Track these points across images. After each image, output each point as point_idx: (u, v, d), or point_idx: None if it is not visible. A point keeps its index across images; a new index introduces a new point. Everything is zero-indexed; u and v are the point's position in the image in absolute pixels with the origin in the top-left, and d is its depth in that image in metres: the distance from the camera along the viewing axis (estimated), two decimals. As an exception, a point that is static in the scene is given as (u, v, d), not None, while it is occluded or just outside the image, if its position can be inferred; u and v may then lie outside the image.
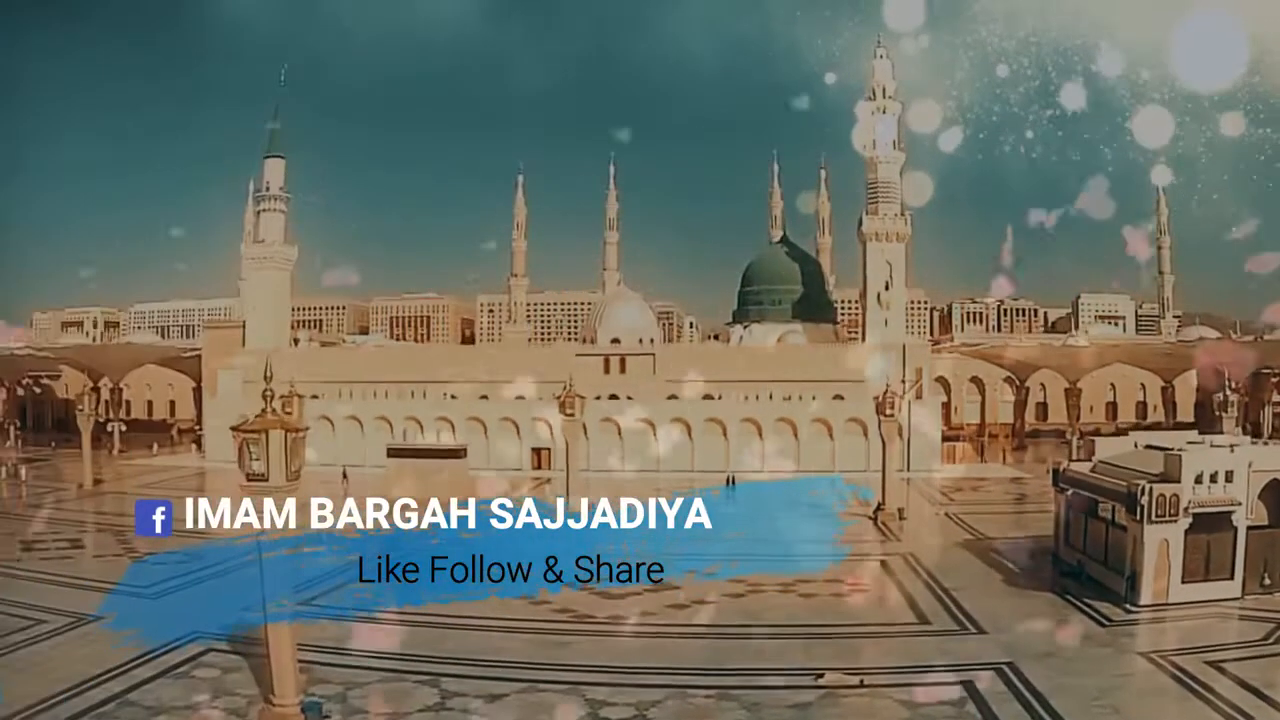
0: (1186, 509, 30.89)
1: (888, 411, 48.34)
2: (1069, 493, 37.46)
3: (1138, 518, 30.87)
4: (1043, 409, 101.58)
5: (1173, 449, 35.16)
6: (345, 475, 66.64)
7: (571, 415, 49.58)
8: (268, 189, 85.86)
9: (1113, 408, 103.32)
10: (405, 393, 78.33)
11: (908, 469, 66.08)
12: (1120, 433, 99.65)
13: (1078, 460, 38.82)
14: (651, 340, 78.40)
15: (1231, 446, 33.10)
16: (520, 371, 77.36)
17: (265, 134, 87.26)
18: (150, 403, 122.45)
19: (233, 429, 21.68)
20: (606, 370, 75.50)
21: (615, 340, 77.22)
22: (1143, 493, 30.69)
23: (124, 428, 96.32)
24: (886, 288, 77.33)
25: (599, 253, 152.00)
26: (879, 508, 49.61)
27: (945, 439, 73.60)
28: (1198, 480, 31.14)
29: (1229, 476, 31.37)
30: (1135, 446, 38.07)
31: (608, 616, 30.89)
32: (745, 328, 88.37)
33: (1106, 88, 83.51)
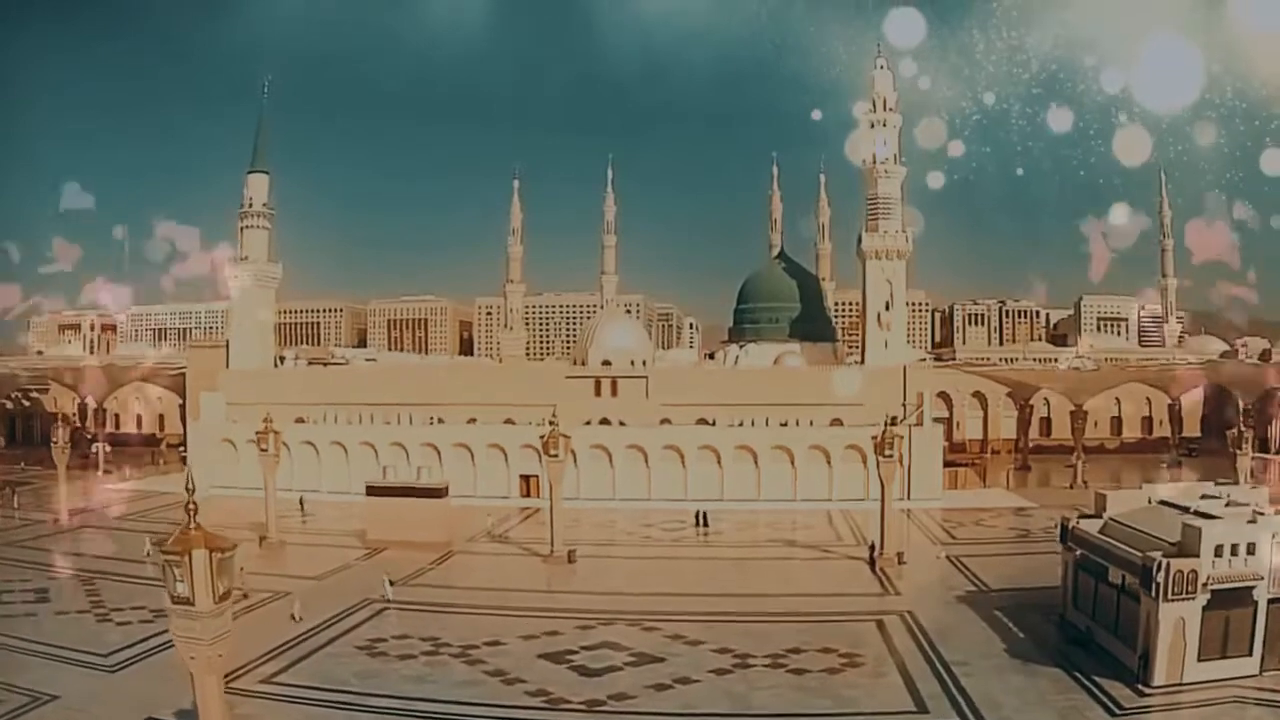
0: (1205, 585, 28.74)
1: (886, 451, 46.10)
2: (1077, 553, 35.31)
3: (1153, 594, 28.72)
4: (1046, 424, 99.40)
5: (1189, 509, 33.14)
6: (302, 504, 64.67)
7: (555, 456, 47.48)
8: (251, 205, 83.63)
9: (1117, 422, 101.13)
10: (392, 415, 76.20)
11: (908, 498, 63.91)
12: (1125, 448, 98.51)
13: (1086, 516, 36.53)
14: (644, 362, 76.08)
15: (1254, 514, 30.87)
16: (509, 393, 75.35)
17: (249, 150, 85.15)
18: (139, 416, 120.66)
19: (155, 544, 19.72)
20: (598, 393, 73.29)
21: (606, 362, 74.92)
22: (1159, 568, 28.52)
23: (108, 448, 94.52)
24: (887, 307, 74.88)
25: (597, 255, 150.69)
26: (877, 551, 47.43)
27: (947, 464, 71.31)
28: (1217, 553, 28.94)
29: (1250, 549, 29.17)
30: (1149, 502, 35.94)
31: (584, 701, 28.74)
32: (741, 347, 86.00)
33: (1107, 95, 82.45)
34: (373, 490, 53.42)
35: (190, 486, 19.33)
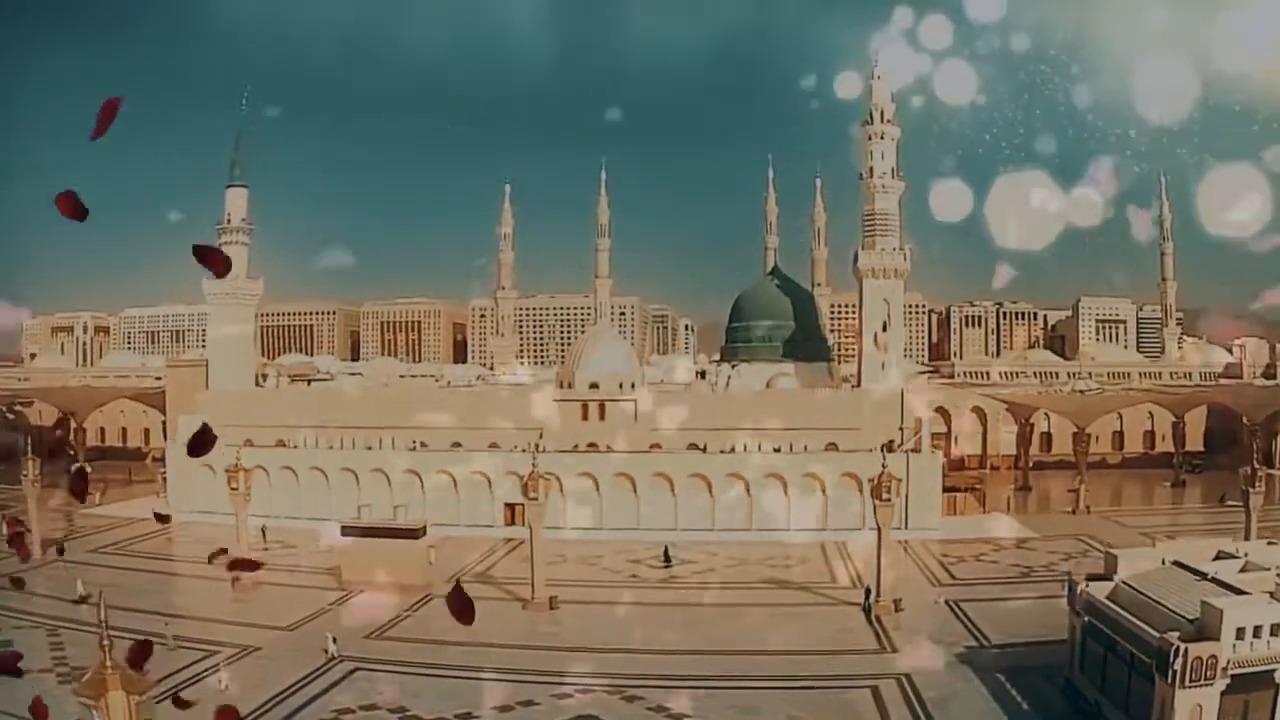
0: (1225, 669, 26.69)
1: (884, 495, 44.00)
2: (1085, 619, 33.27)
3: (1169, 680, 26.67)
4: (1047, 439, 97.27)
5: (1206, 575, 31.16)
6: (264, 533, 62.54)
7: (535, 500, 45.38)
8: (229, 221, 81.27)
9: (1119, 437, 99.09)
10: (374, 438, 74.01)
11: (905, 527, 61.75)
12: (1127, 463, 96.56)
13: (1095, 578, 34.41)
14: (633, 385, 73.85)
15: (1277, 581, 28.81)
16: (495, 417, 73.27)
17: (228, 162, 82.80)
18: (125, 430, 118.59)
19: (75, 691, 17.56)
20: (585, 417, 71.11)
21: (594, 385, 72.71)
22: (1176, 653, 26.44)
23: (89, 468, 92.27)
24: (884, 328, 72.55)
25: (591, 256, 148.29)
26: (873, 597, 45.33)
27: (946, 489, 69.22)
28: (1239, 635, 26.89)
29: (1275, 630, 27.11)
30: (1162, 562, 33.86)
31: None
32: (734, 367, 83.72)
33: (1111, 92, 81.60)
34: (347, 530, 51.31)
35: (103, 620, 17.15)
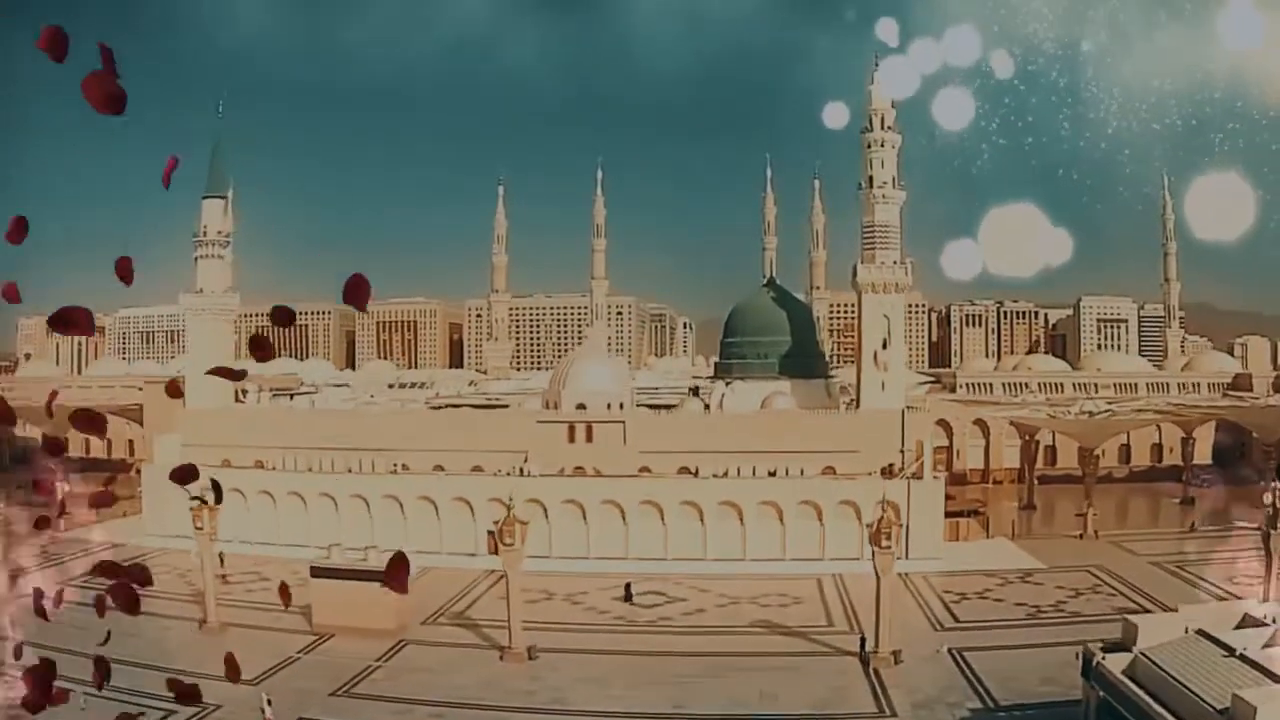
0: (1260, 772, 24.05)
1: (884, 543, 41.32)
2: (1101, 694, 30.62)
3: (1198, 786, 24.06)
4: (1051, 453, 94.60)
5: (1234, 651, 28.52)
6: (222, 561, 59.97)
7: (510, 545, 42.74)
8: (206, 233, 78.39)
9: (1126, 450, 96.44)
10: (354, 460, 71.37)
11: (905, 557, 58.98)
12: (1134, 476, 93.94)
13: (1111, 649, 31.71)
14: (621, 405, 71.02)
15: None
16: (478, 439, 70.61)
17: (208, 170, 79.87)
18: (110, 441, 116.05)
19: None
20: (571, 439, 68.34)
21: (581, 406, 69.93)
22: (1205, 757, 23.82)
23: (69, 487, 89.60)
24: (884, 345, 69.61)
25: (588, 256, 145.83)
26: (871, 649, 42.71)
27: (949, 514, 66.55)
28: (1274, 734, 24.24)
29: (1314, 727, 24.46)
30: (1185, 630, 31.16)
31: None
32: (728, 384, 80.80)
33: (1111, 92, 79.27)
34: (317, 572, 48.71)
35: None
